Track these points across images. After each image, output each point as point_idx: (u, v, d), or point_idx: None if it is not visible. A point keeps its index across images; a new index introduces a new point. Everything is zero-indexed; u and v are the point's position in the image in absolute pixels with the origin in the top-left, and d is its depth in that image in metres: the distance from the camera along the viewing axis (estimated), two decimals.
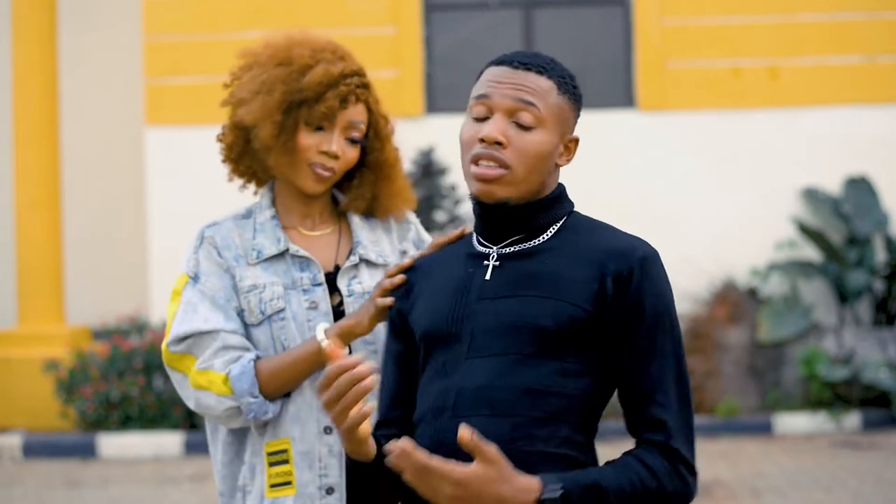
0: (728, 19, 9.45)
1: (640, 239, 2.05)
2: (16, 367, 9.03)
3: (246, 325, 2.42)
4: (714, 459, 7.67)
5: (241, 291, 2.43)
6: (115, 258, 10.85)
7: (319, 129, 2.44)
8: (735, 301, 8.90)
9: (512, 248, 2.06)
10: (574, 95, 2.06)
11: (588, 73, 9.64)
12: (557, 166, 2.06)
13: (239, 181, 2.60)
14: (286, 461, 2.40)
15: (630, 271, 1.99)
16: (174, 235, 9.48)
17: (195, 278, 2.44)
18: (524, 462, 1.93)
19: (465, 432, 1.83)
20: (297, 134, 2.43)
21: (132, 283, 10.44)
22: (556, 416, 1.97)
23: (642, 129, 9.42)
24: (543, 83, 2.02)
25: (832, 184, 9.31)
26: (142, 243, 10.19)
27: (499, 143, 1.99)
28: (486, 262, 2.06)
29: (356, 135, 2.46)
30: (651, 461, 1.96)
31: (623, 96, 9.51)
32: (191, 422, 8.56)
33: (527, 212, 2.04)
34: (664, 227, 9.30)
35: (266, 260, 2.45)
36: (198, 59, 9.54)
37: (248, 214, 2.53)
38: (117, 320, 9.24)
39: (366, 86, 2.47)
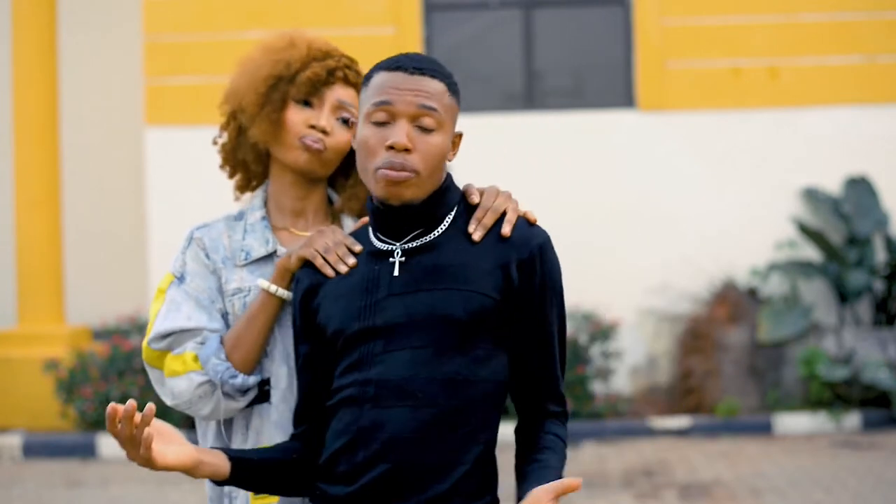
0: (728, 19, 9.45)
1: (532, 225, 2.16)
2: (16, 366, 9.03)
3: (229, 328, 2.42)
4: (714, 459, 7.67)
5: (227, 294, 2.42)
6: (115, 258, 10.85)
7: (307, 104, 2.43)
8: (735, 301, 8.90)
9: (414, 243, 2.14)
10: (458, 95, 2.17)
11: (588, 72, 9.65)
12: (448, 161, 2.17)
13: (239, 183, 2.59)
14: None
15: (531, 258, 2.12)
16: (174, 235, 9.46)
17: (181, 278, 2.43)
18: (446, 449, 2.06)
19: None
20: (285, 109, 2.43)
21: (132, 283, 10.44)
22: (473, 403, 2.09)
23: (642, 129, 9.42)
24: (438, 87, 2.12)
25: (832, 184, 9.31)
26: (142, 243, 10.19)
27: (406, 150, 2.07)
28: (391, 259, 2.14)
29: (346, 115, 2.43)
30: (562, 433, 2.18)
31: (623, 96, 9.51)
32: (191, 421, 8.56)
33: (426, 206, 2.13)
34: (664, 227, 9.31)
35: (254, 262, 2.43)
36: (198, 59, 9.54)
37: (241, 216, 2.51)
38: (117, 320, 9.24)
39: (357, 72, 2.45)
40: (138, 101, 10.27)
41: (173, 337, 2.39)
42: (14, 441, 8.50)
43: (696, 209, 9.38)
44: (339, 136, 2.43)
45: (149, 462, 2.04)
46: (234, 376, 2.35)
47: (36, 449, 8.48)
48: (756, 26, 9.44)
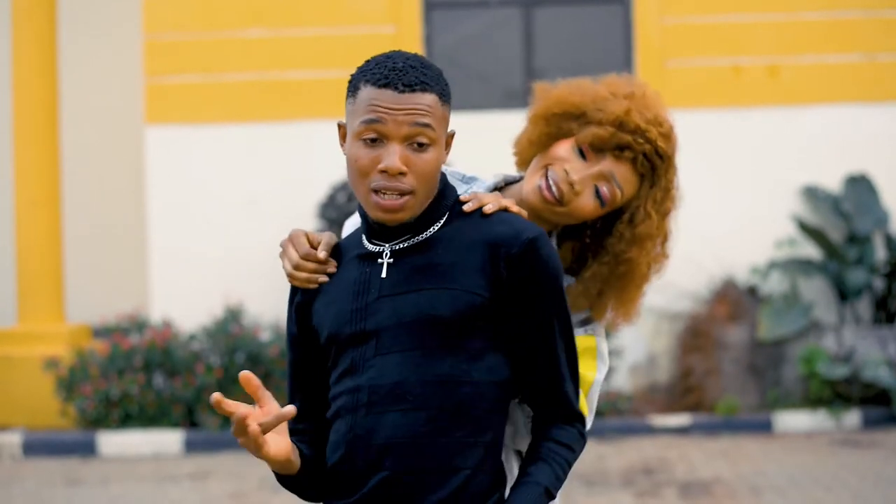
0: (728, 18, 9.45)
1: (527, 221, 2.11)
2: (16, 365, 9.04)
3: None
4: (714, 458, 7.67)
5: None
6: (115, 256, 10.85)
7: (582, 155, 2.28)
8: (735, 299, 8.90)
9: (404, 244, 2.10)
10: (449, 97, 2.09)
11: (588, 71, 9.61)
12: (442, 163, 2.12)
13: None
14: None
15: (521, 253, 2.05)
16: (174, 234, 9.49)
17: None
18: (442, 453, 2.01)
19: None
20: (559, 140, 2.31)
21: (132, 282, 10.44)
22: (468, 404, 2.03)
23: None
24: (430, 99, 2.03)
25: (832, 182, 9.31)
26: (142, 242, 10.20)
27: (401, 173, 2.02)
28: (380, 261, 2.10)
29: (606, 190, 2.27)
30: (564, 437, 2.10)
31: None
32: (190, 420, 8.57)
33: (420, 215, 2.09)
34: None
35: None
36: (198, 58, 9.54)
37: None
38: (117, 318, 9.24)
39: (651, 164, 2.28)
40: (138, 101, 10.27)
41: None
42: (14, 439, 8.50)
43: (696, 207, 9.36)
44: (585, 202, 2.28)
45: (258, 448, 1.99)
46: None
47: (36, 447, 8.48)
48: (756, 25, 9.45)
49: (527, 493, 2.03)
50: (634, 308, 2.37)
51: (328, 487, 2.12)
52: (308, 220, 9.18)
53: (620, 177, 2.28)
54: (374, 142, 2.02)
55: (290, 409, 1.96)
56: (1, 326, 9.81)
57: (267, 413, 1.97)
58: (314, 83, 9.50)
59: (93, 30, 10.96)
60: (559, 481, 2.08)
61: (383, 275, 2.08)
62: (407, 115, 2.01)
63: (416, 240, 2.09)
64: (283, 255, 2.21)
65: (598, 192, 2.27)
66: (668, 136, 2.30)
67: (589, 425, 2.26)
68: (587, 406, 2.30)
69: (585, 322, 2.36)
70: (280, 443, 2.03)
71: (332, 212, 8.91)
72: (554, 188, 2.26)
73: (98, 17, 10.99)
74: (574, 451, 2.12)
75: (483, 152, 8.99)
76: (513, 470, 2.26)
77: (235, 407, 1.94)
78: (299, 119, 9.49)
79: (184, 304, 9.25)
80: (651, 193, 2.31)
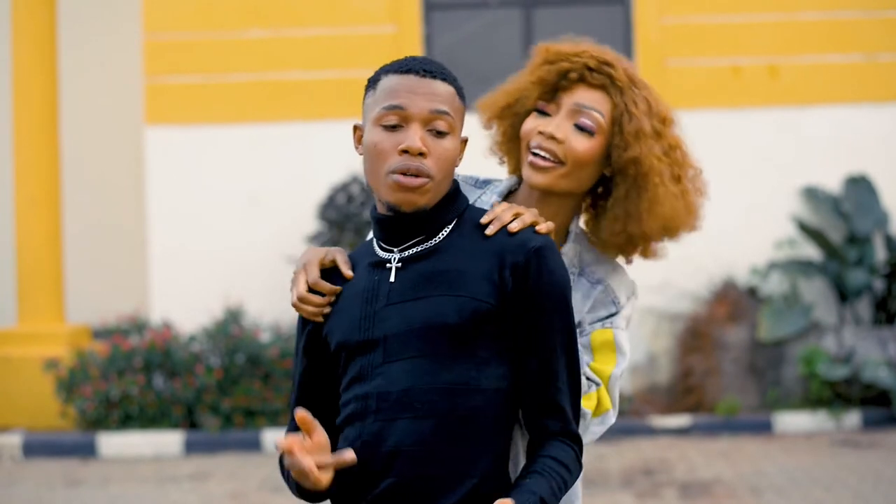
0: (728, 18, 9.45)
1: (531, 230, 2.10)
2: (16, 366, 9.03)
3: None
4: (714, 458, 7.67)
5: None
6: (115, 257, 10.85)
7: (543, 113, 2.31)
8: (735, 300, 8.90)
9: (412, 250, 2.10)
10: (465, 99, 2.15)
11: None
12: (455, 166, 2.13)
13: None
14: None
15: (526, 262, 2.05)
16: (174, 234, 9.49)
17: None
18: (451, 460, 2.01)
19: None
20: (521, 125, 2.34)
21: (132, 282, 10.44)
22: (476, 412, 2.03)
23: None
24: (448, 90, 2.10)
25: (832, 182, 9.31)
26: (142, 242, 10.19)
27: (421, 154, 2.04)
28: (388, 266, 2.11)
29: (582, 119, 2.28)
30: (561, 455, 2.06)
31: None
32: (191, 421, 8.56)
33: (433, 212, 2.10)
34: None
35: None
36: (198, 58, 9.54)
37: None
38: (117, 319, 9.24)
39: (607, 74, 2.29)
40: (138, 101, 10.27)
41: None
42: (14, 440, 8.50)
43: None
44: (576, 144, 2.27)
45: (315, 483, 1.99)
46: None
47: (36, 448, 8.48)
48: (756, 25, 9.44)
49: (521, 499, 1.98)
50: (660, 226, 2.31)
51: (336, 492, 2.11)
52: (308, 221, 9.18)
53: (587, 100, 2.28)
54: (394, 128, 2.05)
55: (350, 455, 1.98)
56: (1, 327, 9.81)
57: (317, 445, 1.99)
58: (314, 83, 9.50)
59: (93, 30, 10.95)
60: (555, 497, 2.03)
61: (391, 280, 2.09)
62: (427, 99, 2.05)
63: (425, 246, 2.10)
64: (294, 284, 2.20)
65: (581, 129, 2.27)
66: (597, 47, 2.34)
67: (613, 419, 2.28)
68: (608, 399, 2.29)
69: (605, 318, 2.34)
70: (327, 471, 2.03)
71: (332, 212, 8.91)
72: (543, 153, 2.27)
73: (98, 17, 10.99)
74: (570, 471, 2.07)
75: (483, 152, 9.00)
76: None
77: (301, 438, 1.98)
78: (299, 119, 9.48)
79: (184, 305, 9.25)
80: (625, 99, 2.29)
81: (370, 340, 2.07)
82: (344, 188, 9.02)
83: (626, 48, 9.57)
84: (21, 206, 9.31)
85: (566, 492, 2.07)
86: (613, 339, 2.32)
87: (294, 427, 2.20)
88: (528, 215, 2.11)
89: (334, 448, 2.09)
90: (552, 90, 2.32)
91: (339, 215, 8.87)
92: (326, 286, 2.16)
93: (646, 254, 2.38)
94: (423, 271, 2.08)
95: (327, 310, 2.16)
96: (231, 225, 9.42)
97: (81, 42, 10.82)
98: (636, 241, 2.34)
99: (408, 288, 2.07)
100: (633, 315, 2.41)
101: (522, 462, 2.16)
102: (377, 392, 2.05)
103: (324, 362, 2.17)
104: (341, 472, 2.06)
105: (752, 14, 9.45)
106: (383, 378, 2.05)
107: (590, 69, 2.29)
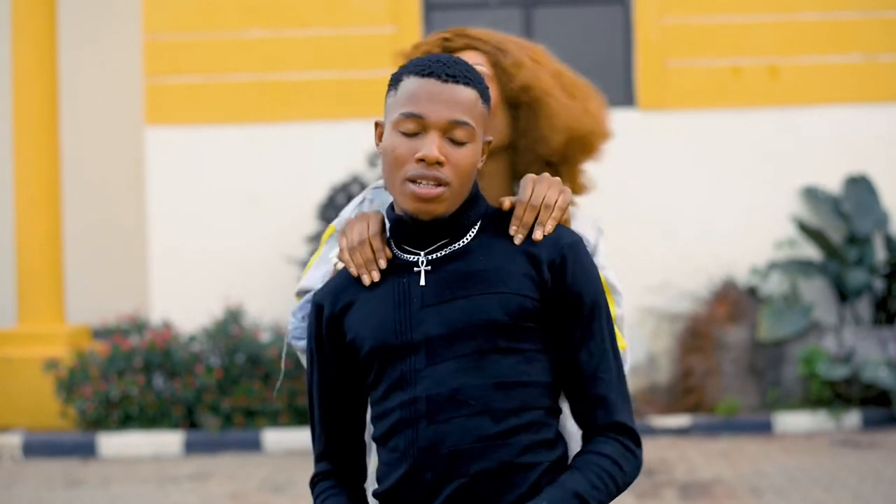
0: (728, 18, 9.45)
1: (561, 226, 2.11)
2: (16, 366, 9.04)
3: None
4: (714, 458, 7.67)
5: None
6: (115, 257, 10.85)
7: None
8: (735, 300, 8.90)
9: (441, 252, 2.08)
10: (489, 100, 2.11)
11: (588, 72, 9.60)
12: (477, 168, 2.11)
13: None
14: None
15: (563, 258, 2.06)
16: (174, 234, 9.49)
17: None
18: (510, 454, 2.00)
19: None
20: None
21: (132, 282, 10.45)
22: (528, 403, 2.03)
23: (642, 129, 9.42)
24: (470, 95, 2.05)
25: (832, 183, 9.31)
26: (142, 242, 10.20)
27: (439, 163, 2.01)
28: (416, 269, 2.08)
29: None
30: (607, 449, 2.03)
31: (623, 95, 9.51)
32: (191, 421, 8.57)
33: (454, 218, 2.08)
34: (664, 227, 9.31)
35: None
36: (198, 58, 9.54)
37: None
38: (117, 319, 9.24)
39: (468, 35, 2.37)
40: (138, 101, 10.27)
41: (308, 295, 2.34)
42: (14, 440, 8.50)
43: (696, 208, 9.38)
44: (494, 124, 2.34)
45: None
46: (299, 338, 2.32)
47: (36, 448, 8.48)
48: (756, 25, 9.44)
49: (551, 492, 1.98)
50: (566, 137, 2.37)
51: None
52: (308, 221, 9.18)
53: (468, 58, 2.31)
54: (413, 135, 2.03)
55: None
56: (1, 327, 9.81)
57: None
58: (314, 84, 9.50)
59: (93, 30, 10.95)
60: (597, 490, 2.00)
61: (422, 283, 2.07)
62: (447, 108, 2.02)
63: (453, 247, 2.08)
64: (343, 234, 2.18)
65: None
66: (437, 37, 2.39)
67: (630, 360, 2.26)
68: (621, 338, 2.30)
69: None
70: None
71: (332, 213, 8.91)
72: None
73: (98, 17, 10.99)
74: (619, 465, 2.03)
75: None
76: None
77: None
78: (299, 120, 9.49)
79: (184, 305, 9.25)
80: (493, 47, 2.36)
81: (409, 344, 2.04)
82: (344, 188, 9.02)
83: (626, 48, 9.57)
84: (21, 206, 9.32)
85: (620, 484, 2.04)
86: (604, 281, 2.33)
87: (324, 455, 2.17)
88: (548, 218, 2.11)
89: (368, 468, 2.13)
90: None
91: (338, 216, 8.88)
92: (380, 245, 2.13)
93: (575, 187, 2.45)
94: (456, 272, 2.06)
95: (376, 273, 2.11)
96: (231, 225, 9.43)
97: (81, 42, 10.83)
98: (555, 166, 2.39)
99: (442, 289, 2.05)
100: (609, 252, 2.46)
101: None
102: (426, 395, 2.01)
103: (350, 370, 2.13)
104: (401, 484, 2.03)
105: (752, 14, 9.45)
106: (430, 381, 2.02)
107: (447, 39, 2.36)
